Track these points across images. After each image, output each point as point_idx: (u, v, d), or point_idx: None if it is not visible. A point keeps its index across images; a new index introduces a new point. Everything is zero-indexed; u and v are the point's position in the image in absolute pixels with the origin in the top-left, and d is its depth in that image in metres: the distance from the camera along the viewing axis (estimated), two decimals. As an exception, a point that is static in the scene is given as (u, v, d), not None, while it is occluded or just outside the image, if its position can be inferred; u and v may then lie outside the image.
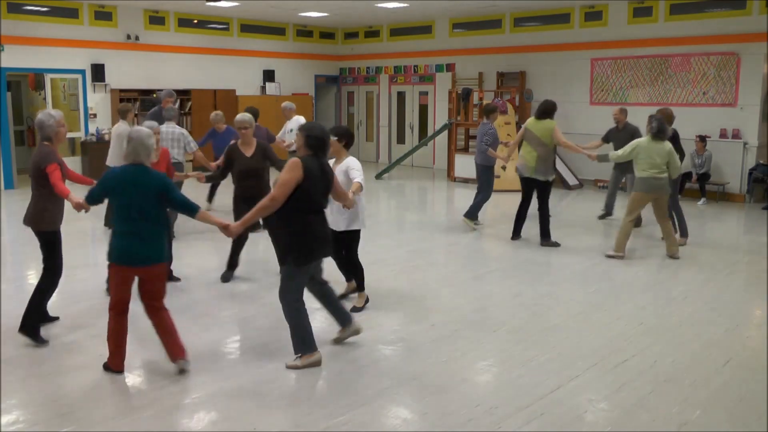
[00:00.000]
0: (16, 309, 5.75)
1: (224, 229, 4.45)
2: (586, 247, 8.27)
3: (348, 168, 5.41)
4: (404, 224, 10.36)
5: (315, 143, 4.44)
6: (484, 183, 9.20)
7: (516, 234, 8.62)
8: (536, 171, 8.17)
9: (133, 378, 4.42)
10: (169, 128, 8.50)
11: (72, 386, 4.27)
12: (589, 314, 5.81)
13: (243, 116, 6.57)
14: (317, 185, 4.40)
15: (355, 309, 5.72)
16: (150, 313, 4.43)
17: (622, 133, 9.41)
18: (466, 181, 14.12)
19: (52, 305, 5.44)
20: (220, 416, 3.92)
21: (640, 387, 4.32)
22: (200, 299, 6.15)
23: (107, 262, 4.32)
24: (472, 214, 9.26)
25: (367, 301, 5.88)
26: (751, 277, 7.10)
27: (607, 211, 10.10)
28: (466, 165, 14.20)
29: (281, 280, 4.55)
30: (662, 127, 7.54)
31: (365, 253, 7.52)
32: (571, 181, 13.36)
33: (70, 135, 13.47)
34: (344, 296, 5.99)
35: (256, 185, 6.45)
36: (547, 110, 8.21)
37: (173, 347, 4.41)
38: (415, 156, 16.23)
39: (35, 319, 5.00)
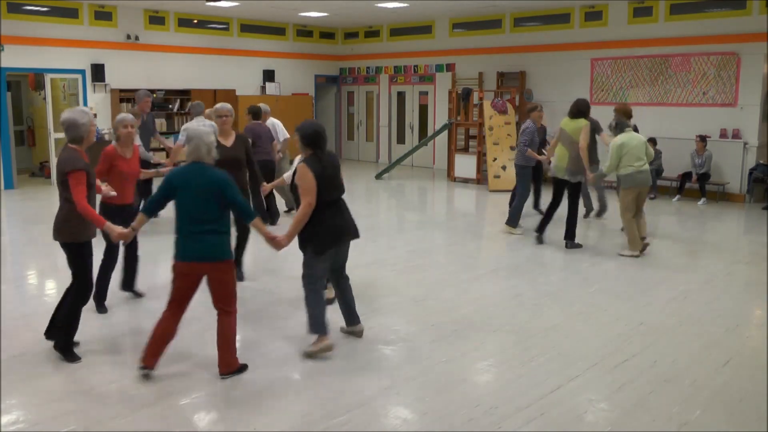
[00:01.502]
0: (16, 309, 5.76)
1: (272, 240, 4.53)
2: (586, 246, 8.27)
3: None
4: (404, 224, 10.36)
5: (310, 141, 4.60)
6: (521, 184, 8.95)
7: (540, 233, 8.38)
8: (567, 171, 7.99)
9: (133, 378, 4.42)
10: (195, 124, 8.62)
11: (72, 386, 4.27)
12: (589, 314, 5.80)
13: (224, 105, 6.49)
14: (326, 180, 4.59)
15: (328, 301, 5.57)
16: (217, 315, 4.43)
17: None
18: (466, 181, 14.13)
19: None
20: (220, 416, 3.92)
21: (640, 387, 4.32)
22: (198, 300, 6.13)
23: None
24: (513, 220, 8.93)
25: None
26: (751, 277, 7.10)
27: (598, 209, 10.06)
28: (466, 165, 14.21)
29: (303, 267, 4.78)
30: (620, 122, 7.86)
31: (365, 254, 7.54)
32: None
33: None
34: (331, 301, 5.73)
35: (236, 177, 6.03)
36: (581, 109, 8.01)
37: (218, 358, 4.39)
38: (415, 156, 16.23)
39: (68, 334, 4.64)
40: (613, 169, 7.70)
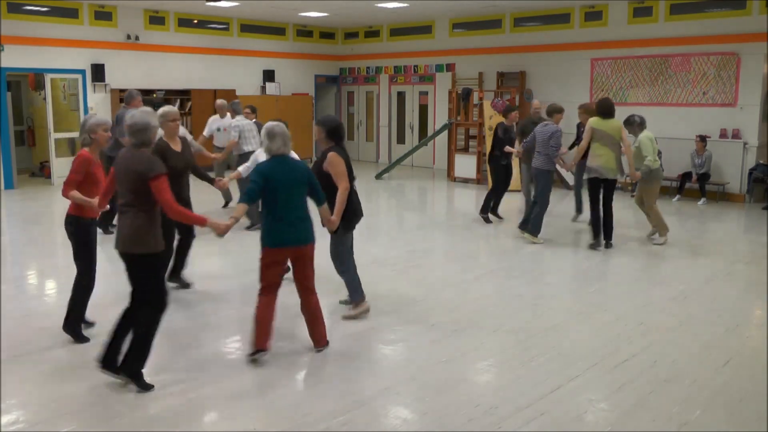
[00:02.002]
0: (16, 309, 5.76)
1: (329, 222, 5.02)
2: (587, 246, 8.26)
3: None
4: (404, 224, 10.36)
5: (334, 133, 5.20)
6: (544, 189, 8.27)
7: (608, 239, 8.09)
8: (617, 171, 7.89)
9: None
10: (244, 121, 9.19)
11: (72, 386, 4.26)
12: (589, 314, 5.80)
13: (173, 108, 6.11)
14: (349, 167, 5.25)
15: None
16: (301, 294, 4.80)
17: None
18: (466, 181, 14.12)
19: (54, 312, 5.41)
20: (220, 416, 3.92)
21: (640, 387, 4.32)
22: (197, 300, 6.15)
23: (261, 247, 4.58)
24: (535, 228, 8.33)
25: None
26: (751, 277, 7.10)
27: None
28: (466, 165, 14.21)
29: (333, 245, 5.41)
30: (642, 118, 8.23)
31: (365, 253, 7.53)
32: (571, 180, 13.34)
33: (70, 135, 13.52)
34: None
35: (186, 184, 6.04)
36: (612, 109, 7.91)
37: (313, 335, 4.83)
38: (415, 156, 16.22)
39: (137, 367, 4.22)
40: (651, 162, 7.94)
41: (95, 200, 4.76)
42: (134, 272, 4.18)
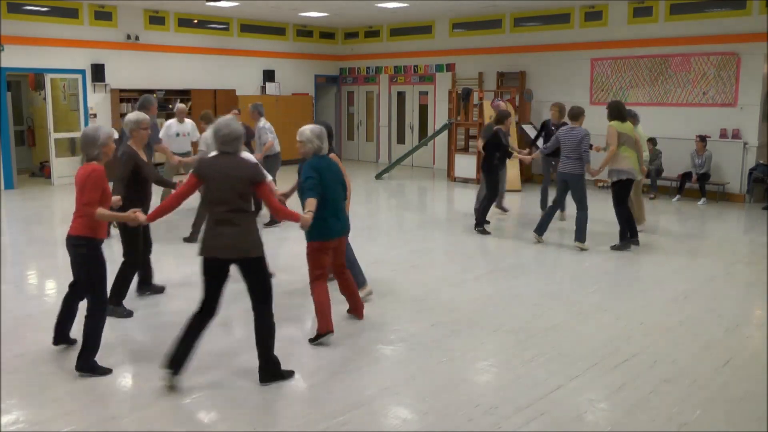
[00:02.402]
0: (17, 309, 5.76)
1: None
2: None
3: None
4: (404, 224, 10.36)
5: (331, 138, 5.44)
6: (583, 196, 7.98)
7: (635, 237, 8.15)
8: (638, 173, 8.15)
9: (132, 378, 4.42)
10: (268, 124, 9.34)
11: (72, 386, 4.26)
12: (589, 314, 5.80)
13: (140, 114, 5.74)
14: None
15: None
16: (338, 277, 5.35)
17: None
18: (466, 181, 14.12)
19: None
20: (220, 416, 3.92)
21: (640, 387, 4.32)
22: (196, 299, 6.13)
23: (309, 241, 4.93)
24: (581, 236, 8.08)
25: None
26: (751, 277, 7.10)
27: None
28: (466, 165, 14.21)
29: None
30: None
31: (365, 253, 7.53)
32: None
33: (70, 135, 13.53)
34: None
35: (151, 192, 5.81)
36: (625, 112, 8.08)
37: (357, 308, 5.50)
38: (415, 156, 16.23)
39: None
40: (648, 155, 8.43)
41: (138, 214, 4.44)
42: (252, 275, 4.28)
